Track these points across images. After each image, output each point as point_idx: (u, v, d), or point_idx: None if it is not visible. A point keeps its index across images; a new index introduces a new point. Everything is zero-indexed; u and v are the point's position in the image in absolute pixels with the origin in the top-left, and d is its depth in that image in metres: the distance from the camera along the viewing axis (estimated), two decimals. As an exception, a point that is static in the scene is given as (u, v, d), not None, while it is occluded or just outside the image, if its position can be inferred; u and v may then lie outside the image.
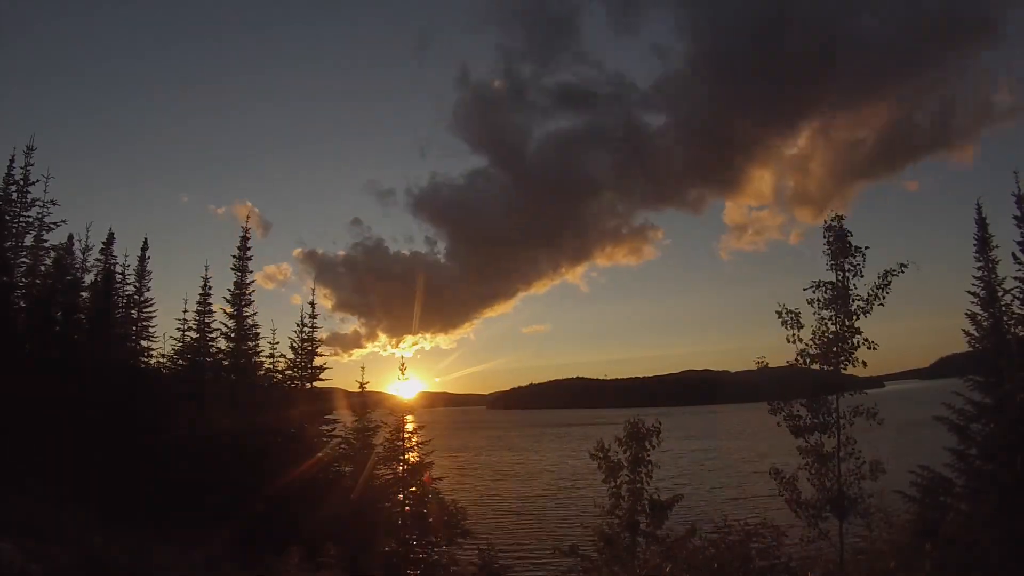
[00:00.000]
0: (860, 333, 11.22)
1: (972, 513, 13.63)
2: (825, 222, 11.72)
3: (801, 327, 11.62)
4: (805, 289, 11.67)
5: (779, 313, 11.70)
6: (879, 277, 11.26)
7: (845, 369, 11.33)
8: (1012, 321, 14.60)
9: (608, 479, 10.92)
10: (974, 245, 14.99)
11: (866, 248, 11.55)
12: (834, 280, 11.56)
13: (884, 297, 11.25)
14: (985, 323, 14.75)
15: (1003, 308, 14.69)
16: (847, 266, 11.52)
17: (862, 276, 11.51)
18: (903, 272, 11.22)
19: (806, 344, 11.51)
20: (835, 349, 11.26)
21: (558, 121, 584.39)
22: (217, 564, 10.75)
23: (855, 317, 11.27)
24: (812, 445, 11.21)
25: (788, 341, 11.61)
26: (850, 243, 11.56)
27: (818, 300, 11.57)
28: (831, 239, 11.67)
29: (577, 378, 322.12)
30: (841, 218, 11.71)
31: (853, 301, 11.31)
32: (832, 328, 11.39)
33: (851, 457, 10.94)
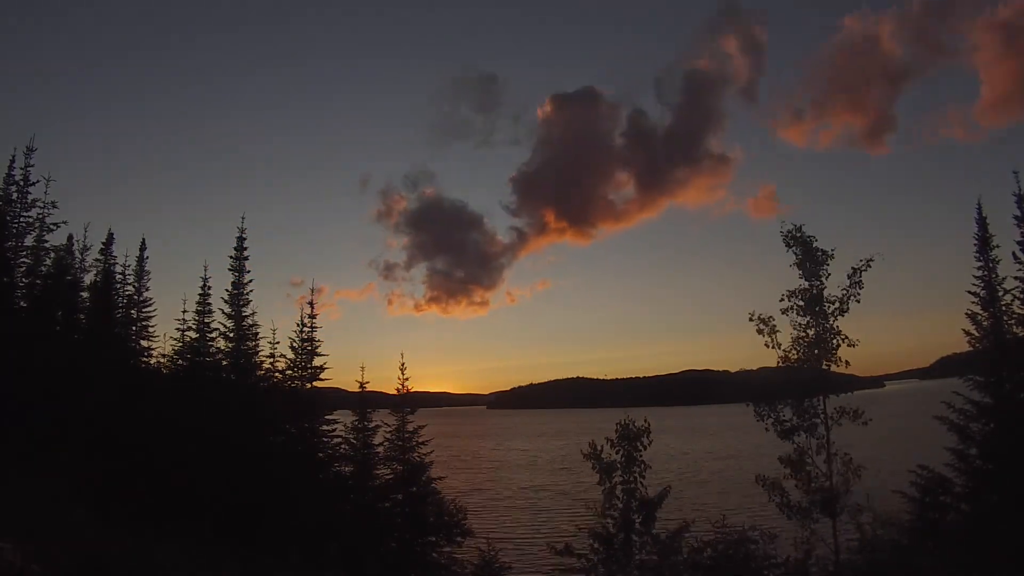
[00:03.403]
0: (840, 333, 11.30)
1: (972, 513, 13.65)
2: (782, 233, 11.70)
3: (777, 332, 11.70)
4: (781, 300, 11.71)
5: (752, 320, 11.69)
6: (848, 276, 11.33)
7: (829, 369, 11.41)
8: (1012, 321, 14.61)
9: (602, 479, 10.95)
10: (974, 245, 15.01)
11: (832, 250, 11.63)
12: (806, 287, 11.61)
13: (858, 294, 11.33)
14: (985, 323, 14.76)
15: (1003, 308, 14.71)
16: (820, 272, 11.58)
17: (828, 275, 11.61)
18: (870, 267, 11.28)
19: (785, 350, 11.58)
20: (816, 351, 11.33)
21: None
22: (217, 564, 10.76)
23: (834, 318, 11.34)
24: (798, 447, 11.27)
25: (767, 347, 11.69)
26: (816, 248, 11.60)
27: (793, 308, 11.62)
28: (797, 251, 11.69)
29: (577, 378, 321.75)
30: (800, 228, 11.74)
31: (829, 304, 11.38)
32: (810, 333, 11.45)
33: (838, 457, 10.98)
